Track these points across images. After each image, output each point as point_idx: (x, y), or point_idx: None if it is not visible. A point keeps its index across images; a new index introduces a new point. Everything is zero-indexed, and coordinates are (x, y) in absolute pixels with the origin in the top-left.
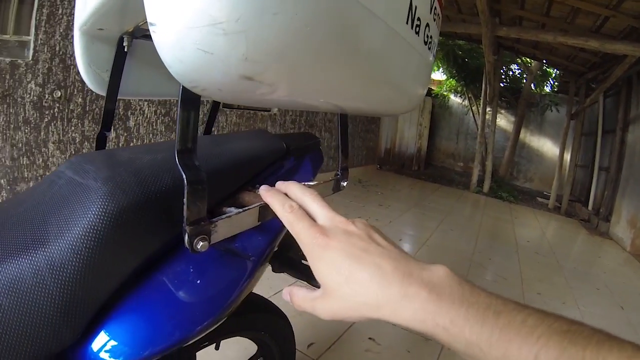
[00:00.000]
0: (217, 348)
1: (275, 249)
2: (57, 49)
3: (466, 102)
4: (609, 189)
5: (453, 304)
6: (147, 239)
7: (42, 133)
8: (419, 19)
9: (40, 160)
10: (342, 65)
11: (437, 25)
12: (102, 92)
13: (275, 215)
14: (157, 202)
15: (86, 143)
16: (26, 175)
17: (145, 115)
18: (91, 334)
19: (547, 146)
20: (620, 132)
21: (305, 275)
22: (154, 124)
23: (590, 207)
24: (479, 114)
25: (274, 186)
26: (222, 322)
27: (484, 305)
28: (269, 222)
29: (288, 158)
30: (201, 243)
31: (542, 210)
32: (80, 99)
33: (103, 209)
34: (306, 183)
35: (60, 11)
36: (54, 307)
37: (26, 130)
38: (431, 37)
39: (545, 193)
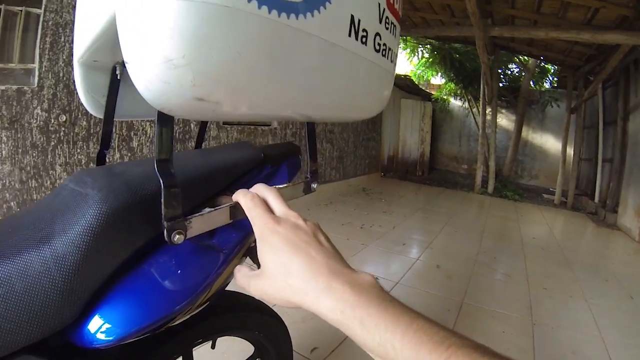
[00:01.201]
0: (213, 347)
1: (253, 244)
2: (61, 75)
3: (466, 105)
4: (614, 180)
5: (373, 301)
6: (135, 235)
7: (49, 156)
8: (364, 31)
9: (48, 182)
10: (283, 81)
11: (393, 33)
12: (100, 115)
13: (245, 214)
14: (144, 205)
15: (92, 164)
16: (35, 197)
17: (147, 136)
18: (87, 314)
19: (549, 142)
20: (622, 122)
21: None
22: None
23: (596, 200)
24: (479, 115)
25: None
26: (201, 307)
27: (401, 311)
28: (242, 222)
29: (265, 166)
30: (177, 236)
31: (548, 206)
32: (84, 122)
33: (98, 211)
34: (277, 186)
35: (62, 39)
36: (57, 290)
37: (34, 154)
38: (385, 44)
39: (551, 189)
